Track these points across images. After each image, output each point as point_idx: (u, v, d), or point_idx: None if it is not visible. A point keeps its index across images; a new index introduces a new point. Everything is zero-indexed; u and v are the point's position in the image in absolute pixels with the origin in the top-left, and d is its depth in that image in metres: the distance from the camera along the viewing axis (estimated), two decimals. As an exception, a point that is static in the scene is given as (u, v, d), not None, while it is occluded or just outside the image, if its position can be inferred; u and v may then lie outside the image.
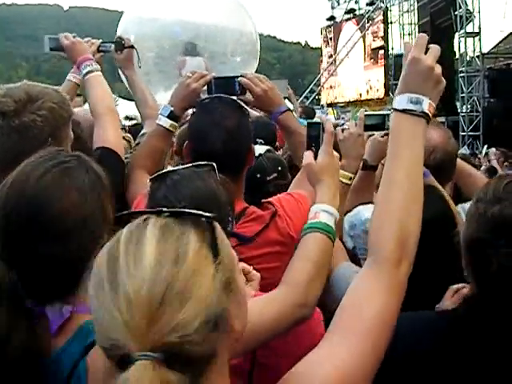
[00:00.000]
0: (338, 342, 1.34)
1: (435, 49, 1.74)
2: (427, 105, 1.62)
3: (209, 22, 8.14)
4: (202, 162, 1.96)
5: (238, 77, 2.60)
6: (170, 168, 4.36)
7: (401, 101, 1.62)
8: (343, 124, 3.69)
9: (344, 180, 2.78)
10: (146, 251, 1.04)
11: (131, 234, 1.08)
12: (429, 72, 1.66)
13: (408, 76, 1.67)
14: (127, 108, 13.51)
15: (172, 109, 2.57)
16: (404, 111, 1.60)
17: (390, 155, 1.59)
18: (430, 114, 1.62)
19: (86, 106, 4.16)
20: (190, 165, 1.98)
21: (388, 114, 2.98)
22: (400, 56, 22.16)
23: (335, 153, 2.17)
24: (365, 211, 2.95)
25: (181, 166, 2.01)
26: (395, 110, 1.62)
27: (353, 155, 2.86)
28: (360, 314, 1.38)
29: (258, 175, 2.99)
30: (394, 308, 1.42)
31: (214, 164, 1.93)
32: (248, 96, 2.61)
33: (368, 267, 1.49)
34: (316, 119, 2.36)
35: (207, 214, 1.13)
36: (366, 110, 3.09)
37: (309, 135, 2.16)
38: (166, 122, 2.54)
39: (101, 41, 3.44)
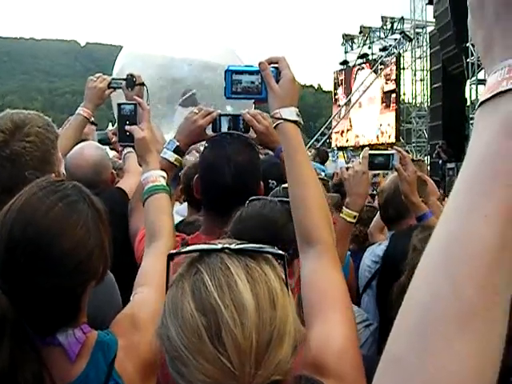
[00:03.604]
0: (330, 318, 1.51)
1: (284, 60, 1.92)
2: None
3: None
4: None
5: (241, 114, 2.65)
6: (177, 205, 4.39)
7: (290, 113, 1.83)
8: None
9: (348, 218, 2.79)
10: (245, 298, 1.08)
11: (218, 279, 1.10)
12: (297, 87, 1.93)
13: (290, 91, 1.89)
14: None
15: (178, 143, 2.59)
16: (295, 122, 1.83)
17: (292, 158, 1.81)
18: None
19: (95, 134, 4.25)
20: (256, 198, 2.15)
21: (393, 154, 3.00)
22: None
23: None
24: (378, 249, 3.06)
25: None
26: (286, 120, 1.82)
27: (357, 193, 2.87)
28: (332, 295, 1.57)
29: None
30: (343, 279, 1.66)
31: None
32: (251, 133, 2.63)
33: (316, 258, 1.66)
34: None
35: (280, 252, 1.19)
36: (370, 149, 3.11)
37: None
38: (172, 156, 2.56)
39: (112, 77, 3.54)
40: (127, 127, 2.42)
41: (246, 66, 2.02)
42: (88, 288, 1.58)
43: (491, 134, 0.69)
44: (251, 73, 1.98)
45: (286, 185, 3.31)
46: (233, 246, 1.15)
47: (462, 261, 0.66)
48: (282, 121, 1.83)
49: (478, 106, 0.71)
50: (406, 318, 0.70)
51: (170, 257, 1.20)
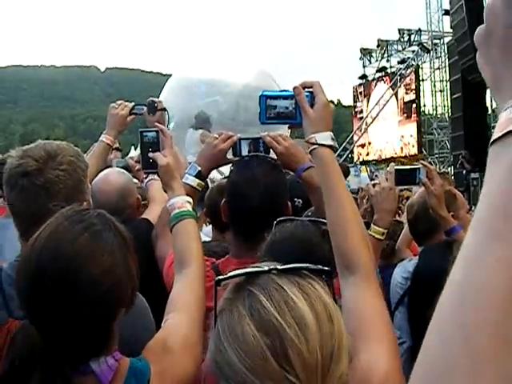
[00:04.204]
0: (374, 348, 1.50)
1: (318, 84, 1.95)
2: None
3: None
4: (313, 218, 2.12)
5: (261, 137, 2.64)
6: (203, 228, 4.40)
7: (325, 138, 1.85)
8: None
9: (377, 235, 2.77)
10: (305, 314, 1.10)
11: (275, 299, 1.11)
12: (332, 111, 1.95)
13: (324, 116, 1.90)
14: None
15: (200, 168, 2.60)
16: (330, 147, 1.85)
17: (328, 183, 1.81)
18: None
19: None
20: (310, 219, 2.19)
21: (419, 168, 2.99)
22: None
23: None
24: (408, 265, 3.05)
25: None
26: (321, 145, 1.84)
27: (385, 209, 2.86)
28: (375, 323, 1.57)
29: None
30: (385, 306, 1.66)
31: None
32: (272, 155, 2.63)
33: (357, 284, 1.66)
34: None
35: (325, 268, 1.22)
36: (396, 165, 3.09)
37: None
38: (194, 181, 2.57)
39: (133, 104, 3.55)
40: (150, 154, 2.43)
41: (281, 90, 2.03)
42: (118, 315, 1.58)
43: (502, 175, 0.67)
44: (285, 97, 1.98)
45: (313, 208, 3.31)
46: (279, 267, 1.17)
47: (474, 309, 0.62)
48: (317, 146, 1.84)
49: (490, 145, 0.69)
50: (419, 366, 0.66)
51: (218, 283, 1.20)
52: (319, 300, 1.13)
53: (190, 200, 2.29)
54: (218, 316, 1.17)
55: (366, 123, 29.02)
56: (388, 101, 27.46)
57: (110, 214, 3.20)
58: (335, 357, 1.09)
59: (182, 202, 2.25)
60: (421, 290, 2.60)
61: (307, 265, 1.20)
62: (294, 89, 1.93)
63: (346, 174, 10.80)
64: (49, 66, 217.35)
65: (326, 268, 1.22)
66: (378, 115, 27.92)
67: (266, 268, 1.17)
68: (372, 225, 2.83)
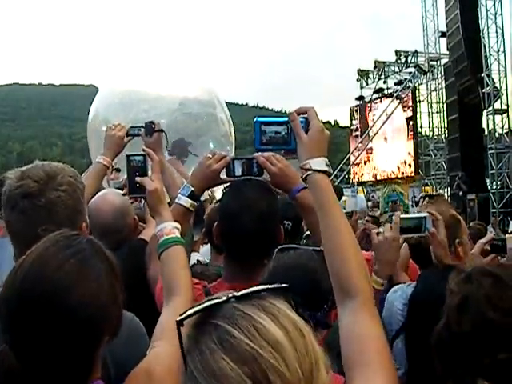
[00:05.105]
0: (371, 376, 1.48)
1: (313, 110, 1.94)
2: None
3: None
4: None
5: (255, 158, 2.60)
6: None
7: (319, 164, 1.85)
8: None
9: (376, 286, 2.73)
10: (276, 334, 1.07)
11: (242, 326, 1.08)
12: (326, 137, 1.92)
13: (319, 142, 1.90)
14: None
15: (193, 189, 2.58)
16: (325, 172, 1.84)
17: (324, 209, 1.80)
18: None
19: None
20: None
21: (425, 217, 2.94)
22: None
23: None
24: (408, 290, 3.02)
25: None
26: (316, 170, 1.84)
27: (386, 260, 2.85)
28: (374, 350, 1.54)
29: None
30: (383, 332, 1.63)
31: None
32: (266, 176, 2.62)
33: (355, 310, 1.64)
34: None
35: (283, 286, 1.18)
36: (402, 213, 3.06)
37: None
38: (187, 202, 2.54)
39: (130, 125, 3.55)
40: (138, 179, 2.41)
41: (275, 117, 2.03)
42: (101, 343, 1.55)
43: None
44: (280, 123, 1.98)
45: (308, 232, 3.29)
46: (237, 294, 1.13)
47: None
48: (311, 172, 1.83)
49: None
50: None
51: (180, 323, 1.14)
52: (287, 318, 1.10)
53: (179, 226, 2.27)
54: (186, 358, 1.12)
55: (363, 144, 29.08)
56: (385, 122, 27.54)
57: (108, 233, 3.22)
58: (315, 370, 1.07)
59: (170, 228, 2.23)
60: (418, 316, 2.57)
61: (265, 286, 1.16)
62: (289, 115, 1.93)
63: (340, 196, 10.82)
64: (47, 85, 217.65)
65: (284, 285, 1.18)
66: (375, 135, 28.00)
67: (224, 297, 1.13)
68: (372, 274, 2.80)
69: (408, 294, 3.05)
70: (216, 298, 1.13)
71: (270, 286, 1.17)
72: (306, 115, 1.93)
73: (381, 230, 2.94)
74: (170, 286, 2.09)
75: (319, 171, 1.83)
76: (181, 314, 1.14)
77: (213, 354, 1.07)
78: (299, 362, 1.05)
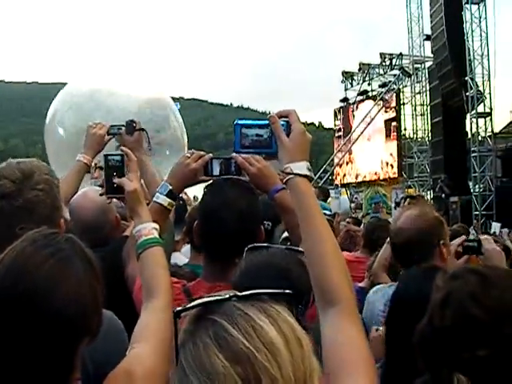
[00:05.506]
0: (355, 380, 1.46)
1: (294, 113, 1.91)
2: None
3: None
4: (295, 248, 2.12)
5: (233, 158, 2.58)
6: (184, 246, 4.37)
7: (301, 168, 1.81)
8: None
9: None
10: (274, 338, 1.05)
11: (241, 325, 1.06)
12: (308, 140, 1.89)
13: (300, 145, 1.86)
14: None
15: (171, 187, 2.57)
16: (306, 176, 1.80)
17: (305, 214, 1.76)
18: None
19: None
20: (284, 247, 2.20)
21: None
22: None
23: None
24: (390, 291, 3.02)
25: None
26: (297, 174, 1.79)
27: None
28: (356, 358, 1.52)
29: None
30: (365, 338, 1.62)
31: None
32: (244, 176, 2.62)
33: (337, 318, 1.60)
34: None
35: (287, 291, 1.18)
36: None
37: None
38: (165, 200, 2.52)
39: (110, 124, 3.53)
40: (116, 180, 2.39)
41: (256, 119, 1.99)
42: (80, 346, 1.52)
43: None
44: (261, 126, 1.93)
45: (285, 234, 3.29)
46: (239, 294, 1.12)
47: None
48: (292, 176, 1.80)
49: None
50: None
51: (177, 314, 1.13)
52: (286, 324, 1.09)
53: (157, 226, 2.25)
54: (180, 350, 1.10)
55: (347, 145, 29.15)
56: (369, 124, 27.62)
57: (90, 230, 3.19)
58: (309, 379, 1.06)
59: (150, 229, 2.21)
60: (399, 313, 2.56)
61: (269, 290, 1.15)
62: (270, 118, 1.89)
63: (327, 196, 10.81)
64: (31, 83, 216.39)
65: (287, 291, 1.18)
66: (358, 137, 28.06)
67: (227, 296, 1.11)
68: None
69: (390, 295, 3.03)
70: (217, 296, 1.12)
71: (273, 291, 1.16)
72: (287, 118, 1.89)
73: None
74: (149, 288, 2.07)
75: (300, 175, 1.80)
76: (180, 307, 1.13)
77: (206, 348, 1.05)
78: (293, 369, 1.04)
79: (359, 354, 1.53)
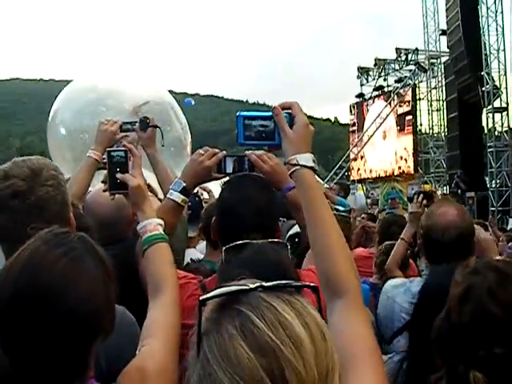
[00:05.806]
0: (361, 376, 1.46)
1: (297, 105, 1.90)
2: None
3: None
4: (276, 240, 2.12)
5: (246, 155, 2.61)
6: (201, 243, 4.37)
7: (306, 159, 1.82)
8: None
9: None
10: (300, 332, 1.05)
11: (267, 317, 1.06)
12: (311, 132, 1.89)
13: (304, 137, 1.87)
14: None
15: (184, 184, 2.57)
16: (311, 168, 1.82)
17: (311, 205, 1.78)
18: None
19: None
20: (267, 240, 2.17)
21: None
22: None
23: None
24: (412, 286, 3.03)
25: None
26: (303, 166, 1.81)
27: None
28: (362, 351, 1.53)
29: None
30: (371, 331, 1.63)
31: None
32: (257, 173, 2.62)
33: (343, 310, 1.62)
34: None
35: (313, 285, 1.18)
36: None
37: None
38: (179, 197, 2.53)
39: (122, 121, 3.54)
40: (119, 175, 2.39)
41: (259, 111, 1.99)
42: (94, 344, 1.53)
43: None
44: (264, 118, 1.93)
45: (292, 231, 3.28)
46: (265, 284, 1.11)
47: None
48: (298, 167, 1.81)
49: None
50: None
51: (202, 302, 1.11)
52: (311, 318, 1.09)
53: (162, 222, 2.26)
54: (202, 338, 1.09)
55: (363, 141, 29.07)
56: (385, 119, 27.54)
57: (106, 225, 3.19)
58: (330, 374, 1.06)
59: (154, 225, 2.22)
60: (427, 310, 2.52)
61: (294, 282, 1.15)
62: (273, 109, 1.89)
63: (348, 192, 10.70)
64: (48, 80, 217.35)
65: (312, 284, 1.18)
66: (374, 133, 27.98)
67: (252, 286, 1.11)
68: None
69: (414, 292, 2.98)
70: (242, 285, 1.11)
71: (298, 283, 1.17)
72: (290, 110, 1.89)
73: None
74: (155, 284, 2.08)
75: (306, 167, 1.81)
76: (206, 294, 1.12)
77: (231, 339, 1.05)
78: (317, 363, 1.04)
79: (367, 346, 1.54)
